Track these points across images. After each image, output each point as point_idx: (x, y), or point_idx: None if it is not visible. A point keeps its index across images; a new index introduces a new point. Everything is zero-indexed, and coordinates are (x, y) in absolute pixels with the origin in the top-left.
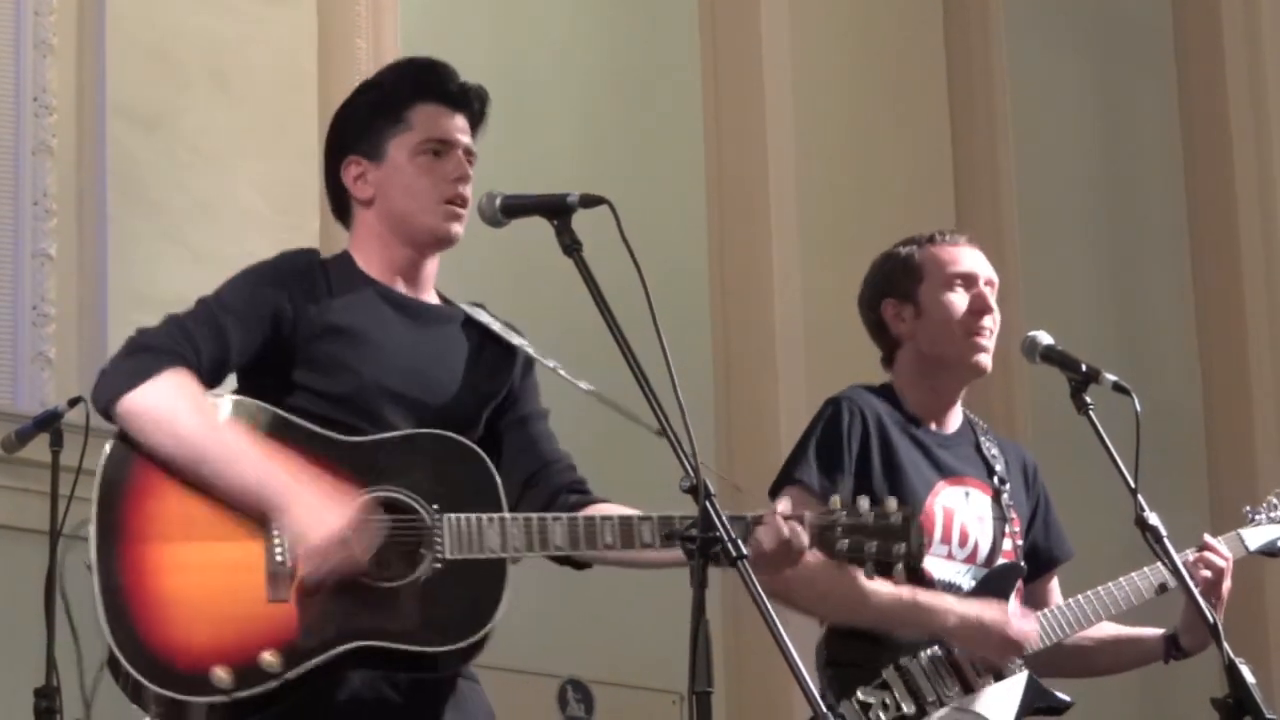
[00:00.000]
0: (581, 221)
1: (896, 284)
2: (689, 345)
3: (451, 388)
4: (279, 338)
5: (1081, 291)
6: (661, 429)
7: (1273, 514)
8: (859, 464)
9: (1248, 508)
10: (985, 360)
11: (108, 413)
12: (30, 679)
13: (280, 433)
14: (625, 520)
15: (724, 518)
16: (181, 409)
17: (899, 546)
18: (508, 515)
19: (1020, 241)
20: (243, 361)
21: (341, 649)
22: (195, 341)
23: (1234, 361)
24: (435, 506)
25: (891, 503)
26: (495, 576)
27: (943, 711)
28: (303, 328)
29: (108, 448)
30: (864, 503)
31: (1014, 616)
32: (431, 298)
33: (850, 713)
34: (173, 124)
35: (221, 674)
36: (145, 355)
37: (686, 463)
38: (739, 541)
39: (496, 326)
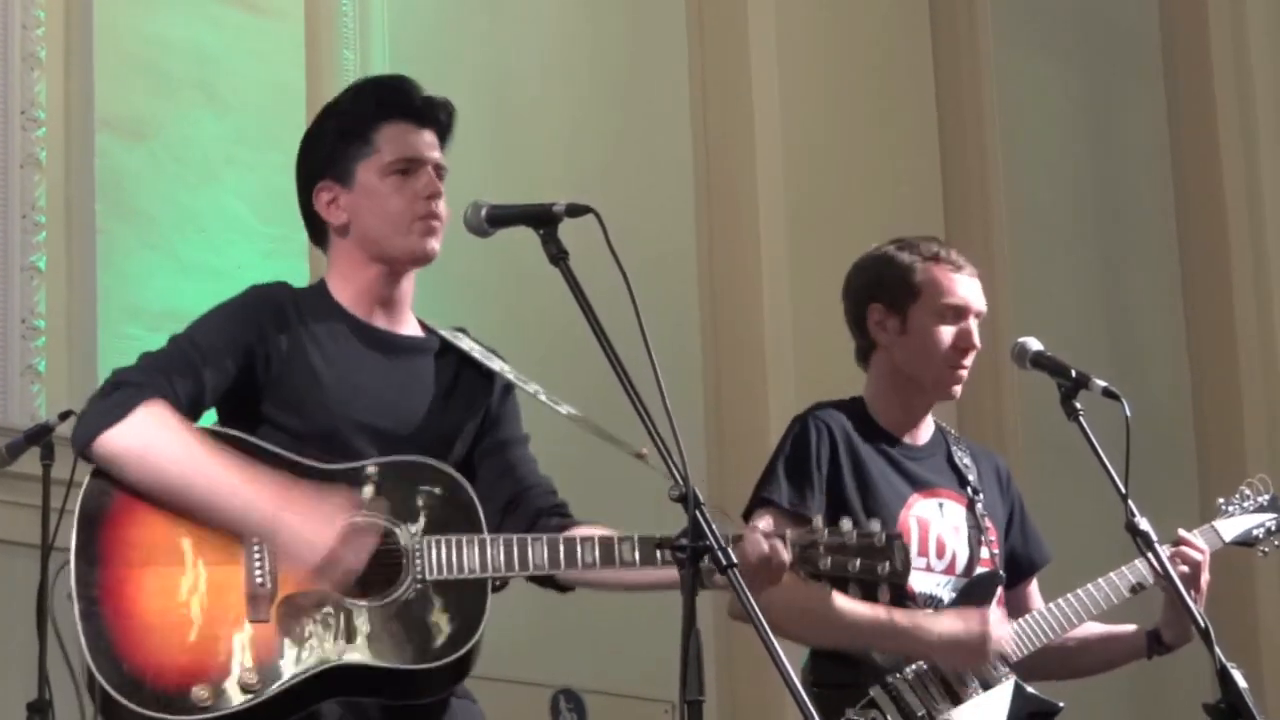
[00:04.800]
0: (570, 229)
1: (889, 291)
2: (678, 352)
3: (421, 418)
4: (251, 376)
5: (1070, 297)
6: (645, 452)
7: (1245, 504)
8: (830, 480)
9: (1221, 500)
10: (958, 390)
11: (85, 454)
12: (23, 693)
13: (260, 462)
14: (605, 539)
15: (714, 526)
16: (160, 442)
17: (883, 565)
18: (487, 536)
19: (1009, 247)
20: (216, 400)
21: (321, 667)
22: (171, 379)
23: (1223, 365)
24: (414, 530)
25: (874, 524)
26: (476, 597)
27: None
28: (275, 365)
29: (85, 480)
30: (846, 523)
31: (991, 623)
32: (408, 325)
33: None
34: (161, 136)
35: (201, 692)
36: (119, 391)
37: (675, 472)
38: (729, 550)
39: (476, 352)
